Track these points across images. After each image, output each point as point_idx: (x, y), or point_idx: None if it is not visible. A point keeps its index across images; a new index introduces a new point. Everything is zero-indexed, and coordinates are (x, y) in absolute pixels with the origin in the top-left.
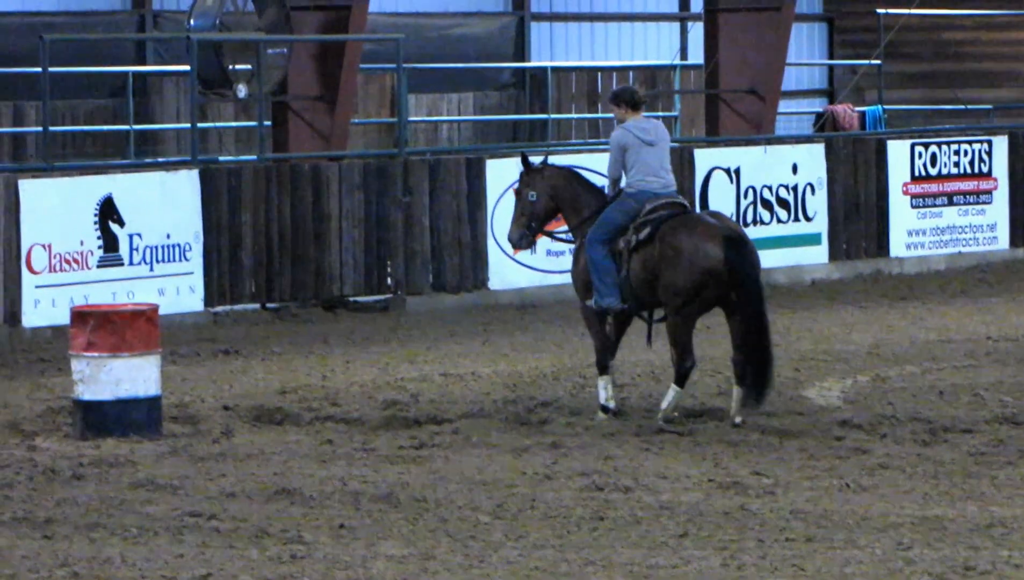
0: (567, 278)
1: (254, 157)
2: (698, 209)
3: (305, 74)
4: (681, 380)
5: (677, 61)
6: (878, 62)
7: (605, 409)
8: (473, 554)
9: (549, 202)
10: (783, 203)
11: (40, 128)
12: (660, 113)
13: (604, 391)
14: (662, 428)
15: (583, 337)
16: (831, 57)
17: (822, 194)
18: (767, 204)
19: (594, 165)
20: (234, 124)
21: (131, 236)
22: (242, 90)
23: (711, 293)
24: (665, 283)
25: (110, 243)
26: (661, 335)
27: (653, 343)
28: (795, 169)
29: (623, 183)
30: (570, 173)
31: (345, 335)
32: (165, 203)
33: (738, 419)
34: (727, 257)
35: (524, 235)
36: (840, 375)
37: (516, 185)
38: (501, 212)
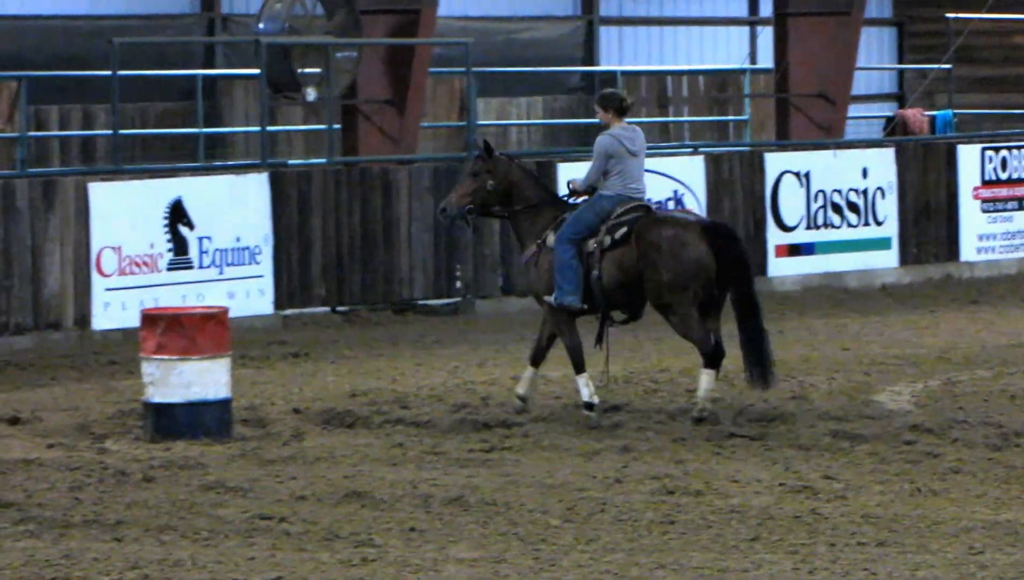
0: None
1: (323, 160)
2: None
3: (374, 77)
4: (711, 362)
5: (747, 65)
6: (948, 66)
7: (590, 406)
8: (543, 558)
9: (504, 192)
10: (853, 207)
11: (110, 131)
12: (731, 117)
13: (587, 389)
14: (702, 418)
15: (656, 342)
16: (901, 61)
17: (892, 198)
18: (837, 208)
19: (664, 168)
20: (303, 127)
21: (200, 239)
22: (311, 93)
23: (700, 285)
24: (653, 283)
25: (180, 246)
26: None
27: (603, 344)
28: (865, 173)
29: (601, 187)
30: (523, 167)
31: (415, 338)
32: (235, 206)
33: (707, 406)
34: (711, 245)
35: (464, 215)
36: (911, 379)
37: (472, 166)
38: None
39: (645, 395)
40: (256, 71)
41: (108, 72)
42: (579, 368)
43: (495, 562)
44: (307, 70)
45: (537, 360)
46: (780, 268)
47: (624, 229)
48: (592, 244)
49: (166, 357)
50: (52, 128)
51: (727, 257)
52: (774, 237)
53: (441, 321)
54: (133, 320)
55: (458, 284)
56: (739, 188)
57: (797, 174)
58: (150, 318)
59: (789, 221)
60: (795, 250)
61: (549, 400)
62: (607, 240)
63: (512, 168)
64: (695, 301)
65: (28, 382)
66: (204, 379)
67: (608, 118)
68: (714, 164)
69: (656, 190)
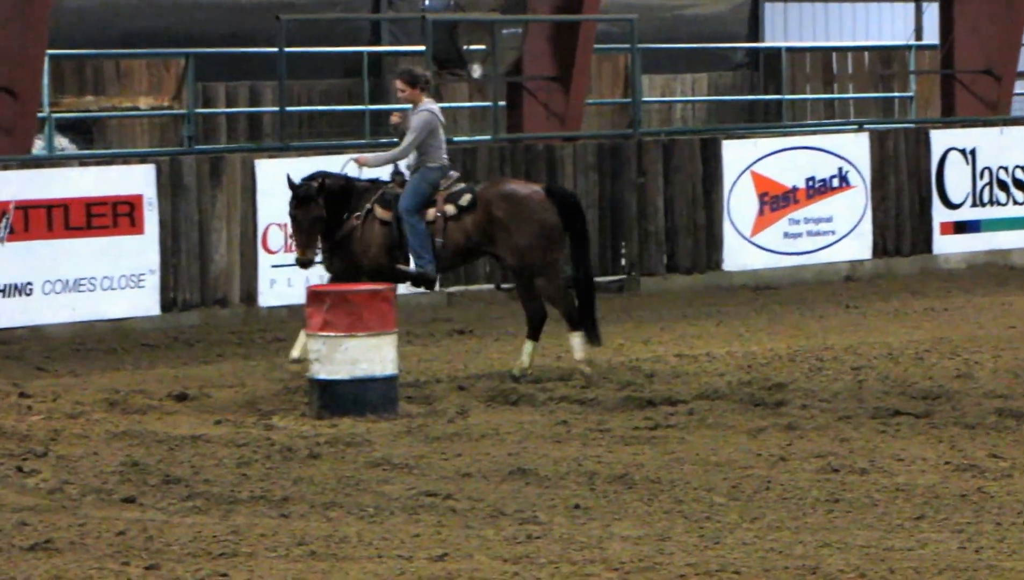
0: (803, 260)
1: (488, 137)
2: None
3: (539, 54)
4: (576, 324)
5: (912, 41)
6: None
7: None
8: (708, 535)
9: (324, 211)
10: (1019, 184)
11: (277, 108)
12: (896, 94)
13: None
14: (582, 372)
15: (821, 319)
16: None
17: None
18: (1003, 185)
19: (829, 146)
20: (468, 104)
21: None
22: (476, 70)
23: (558, 246)
24: (512, 247)
25: None
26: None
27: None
28: None
29: (414, 159)
30: (329, 175)
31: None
32: None
33: (587, 370)
34: (559, 206)
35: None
36: None
37: (303, 214)
38: (737, 194)
39: (810, 373)
40: (422, 48)
41: (275, 49)
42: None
43: (659, 539)
44: (472, 47)
45: None
46: (945, 245)
47: (469, 196)
48: (433, 213)
49: (332, 334)
50: (219, 105)
51: (570, 220)
52: (939, 214)
53: (606, 299)
54: (299, 297)
55: (623, 261)
56: (904, 165)
57: (963, 151)
58: (316, 295)
59: (955, 198)
60: (960, 228)
61: (713, 377)
62: (450, 209)
63: (331, 183)
64: (558, 263)
65: (195, 358)
66: (370, 356)
67: (415, 95)
68: (879, 141)
69: (821, 167)
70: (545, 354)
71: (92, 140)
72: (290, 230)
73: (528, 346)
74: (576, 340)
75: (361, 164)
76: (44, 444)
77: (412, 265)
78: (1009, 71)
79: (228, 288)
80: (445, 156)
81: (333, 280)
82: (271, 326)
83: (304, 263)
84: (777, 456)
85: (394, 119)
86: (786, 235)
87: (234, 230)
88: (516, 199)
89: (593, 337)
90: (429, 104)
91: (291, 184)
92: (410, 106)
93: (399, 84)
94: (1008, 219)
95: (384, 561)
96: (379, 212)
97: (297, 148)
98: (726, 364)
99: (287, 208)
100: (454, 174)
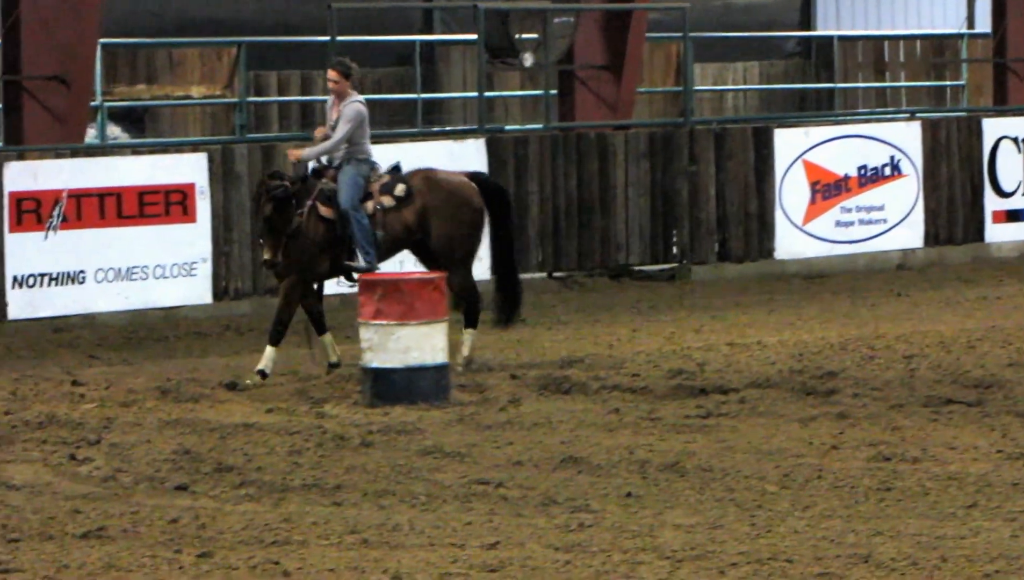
0: (855, 248)
1: (540, 126)
2: None
3: (591, 43)
4: (473, 323)
5: (964, 30)
6: None
7: (263, 374)
8: (760, 523)
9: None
10: None
11: (327, 97)
12: (948, 82)
13: (268, 361)
14: (459, 365)
15: (872, 307)
16: None
17: None
18: None
19: (881, 134)
20: (520, 93)
21: None
22: (528, 59)
23: (480, 233)
24: (445, 238)
25: None
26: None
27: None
28: None
29: (344, 152)
30: (280, 175)
31: (631, 304)
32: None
33: (461, 366)
34: (487, 197)
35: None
36: None
37: (270, 214)
38: (789, 182)
39: (861, 362)
40: (474, 36)
41: (326, 37)
42: (276, 341)
43: (711, 528)
44: (524, 35)
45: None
46: (997, 234)
47: (403, 186)
48: (372, 206)
49: (384, 322)
50: (271, 94)
51: (498, 211)
52: (991, 203)
53: (657, 287)
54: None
55: (674, 250)
56: (956, 154)
57: (1015, 140)
58: (368, 284)
59: (1007, 187)
60: (1013, 216)
61: (765, 366)
62: (387, 200)
63: (294, 182)
64: (474, 256)
65: (247, 347)
66: (422, 344)
67: (346, 87)
68: (931, 130)
69: (873, 156)
70: (597, 342)
71: (144, 129)
72: (258, 230)
73: (468, 335)
74: (468, 337)
75: (295, 158)
76: (97, 432)
77: (361, 260)
78: None
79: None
80: (369, 146)
81: (277, 277)
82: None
83: (273, 265)
84: (829, 444)
85: (318, 133)
86: (838, 223)
87: None
88: (449, 188)
89: (504, 322)
90: (357, 96)
91: (266, 185)
92: (328, 99)
93: (334, 75)
94: None
95: (436, 549)
96: (322, 209)
97: None
98: (778, 353)
99: (257, 208)
100: (380, 165)
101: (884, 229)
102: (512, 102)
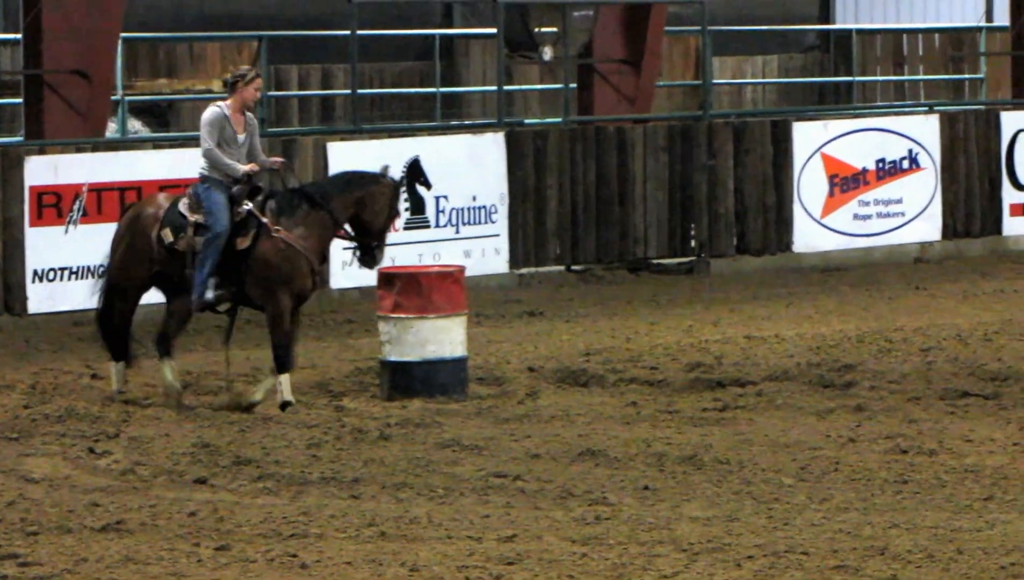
0: (873, 242)
1: (559, 120)
2: None
3: (610, 37)
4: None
5: (983, 23)
6: None
7: (288, 404)
8: (777, 516)
9: None
10: None
11: (348, 91)
12: (966, 76)
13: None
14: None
15: (890, 300)
16: None
17: None
18: None
19: (898, 127)
20: (539, 87)
21: (437, 198)
22: (547, 53)
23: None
24: None
25: (417, 205)
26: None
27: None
28: None
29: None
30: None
31: (649, 297)
32: (471, 166)
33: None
34: None
35: None
36: None
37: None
38: (807, 176)
39: (879, 355)
40: (493, 30)
41: (347, 32)
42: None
43: (728, 520)
44: (544, 29)
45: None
46: (1015, 227)
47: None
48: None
49: (403, 316)
50: (291, 88)
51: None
52: (1009, 196)
53: (675, 280)
54: (370, 279)
55: (693, 243)
56: (974, 147)
57: None
58: (387, 277)
59: None
60: None
61: (782, 359)
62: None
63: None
64: None
65: (267, 340)
66: (440, 338)
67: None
68: (949, 123)
69: (891, 149)
70: (615, 335)
71: (165, 123)
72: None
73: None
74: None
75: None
76: (116, 426)
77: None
78: None
79: None
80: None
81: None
82: (343, 308)
83: None
84: (846, 437)
85: (253, 167)
86: (856, 217)
87: None
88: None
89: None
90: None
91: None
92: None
93: (260, 84)
94: None
95: (454, 542)
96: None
97: (369, 131)
98: (795, 346)
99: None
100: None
101: (902, 222)
102: (531, 96)
